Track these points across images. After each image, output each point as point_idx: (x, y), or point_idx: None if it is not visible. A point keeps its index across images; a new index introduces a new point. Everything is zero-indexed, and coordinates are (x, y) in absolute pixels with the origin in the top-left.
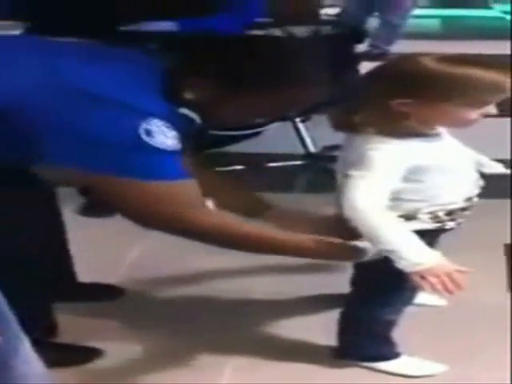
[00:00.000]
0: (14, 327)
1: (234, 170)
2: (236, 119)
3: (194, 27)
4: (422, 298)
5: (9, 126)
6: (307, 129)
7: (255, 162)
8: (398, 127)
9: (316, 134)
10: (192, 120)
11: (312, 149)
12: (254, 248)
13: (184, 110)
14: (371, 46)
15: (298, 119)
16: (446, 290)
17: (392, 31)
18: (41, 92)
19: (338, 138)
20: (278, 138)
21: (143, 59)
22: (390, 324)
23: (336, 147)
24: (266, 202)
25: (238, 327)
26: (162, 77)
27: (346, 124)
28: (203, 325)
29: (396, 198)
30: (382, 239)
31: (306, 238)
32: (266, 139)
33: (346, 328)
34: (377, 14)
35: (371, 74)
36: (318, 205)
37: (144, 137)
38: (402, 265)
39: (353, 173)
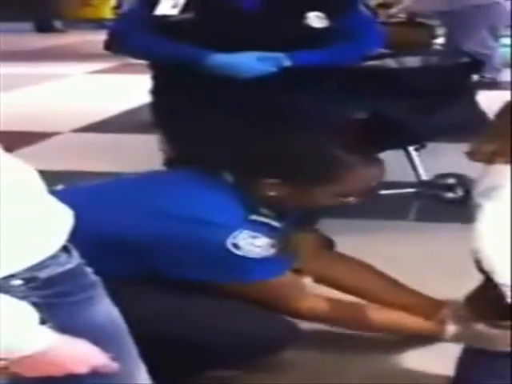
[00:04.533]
0: (132, 352)
1: None
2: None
3: (305, 60)
4: None
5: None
6: (420, 156)
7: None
8: None
9: (429, 162)
10: (274, 226)
11: (424, 177)
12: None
13: (264, 219)
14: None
15: (411, 147)
16: None
17: (496, 59)
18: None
19: (451, 166)
20: (390, 166)
21: (209, 179)
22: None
23: (448, 175)
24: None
25: (350, 362)
26: (234, 191)
27: (481, 154)
28: (315, 358)
29: None
30: (497, 271)
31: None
32: None
33: (465, 363)
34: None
35: (506, 105)
36: (428, 233)
37: (233, 250)
38: (509, 299)
39: (483, 203)
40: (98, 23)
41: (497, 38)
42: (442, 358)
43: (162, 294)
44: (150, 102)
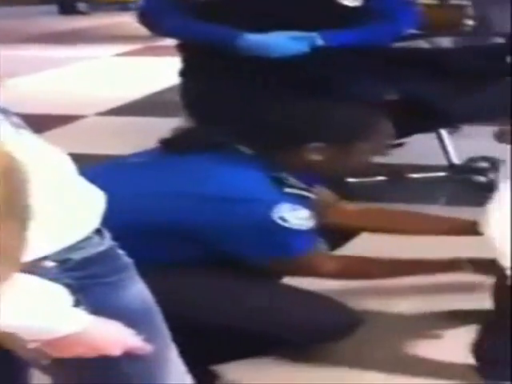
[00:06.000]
0: (165, 335)
1: (376, 181)
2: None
3: (338, 40)
4: None
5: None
6: (452, 140)
7: (397, 172)
8: None
9: (462, 145)
10: (308, 197)
11: (455, 160)
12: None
13: (298, 191)
14: None
15: (443, 130)
16: None
17: None
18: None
19: (483, 150)
20: (420, 149)
21: (249, 157)
22: None
23: (481, 159)
24: None
25: (375, 343)
26: (262, 166)
27: (508, 135)
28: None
29: None
30: (504, 255)
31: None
32: (408, 150)
33: (484, 347)
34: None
35: None
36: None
37: (281, 222)
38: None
39: (502, 185)
40: (122, 5)
41: None
42: (459, 347)
43: (222, 280)
44: (179, 84)
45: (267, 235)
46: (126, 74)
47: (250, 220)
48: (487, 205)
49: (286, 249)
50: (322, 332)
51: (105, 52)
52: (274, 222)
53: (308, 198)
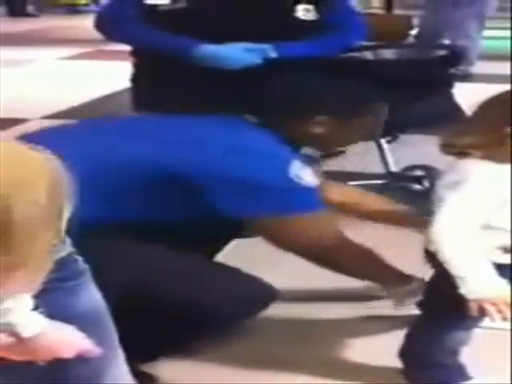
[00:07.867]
0: (114, 338)
1: None
2: (346, 143)
3: (291, 52)
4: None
5: (176, 189)
6: (391, 148)
7: (336, 179)
8: (507, 153)
9: (400, 154)
10: (312, 157)
11: (393, 168)
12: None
13: (307, 150)
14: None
15: (383, 139)
16: (504, 318)
17: (473, 52)
18: (203, 156)
19: (420, 158)
20: (359, 157)
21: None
22: (458, 346)
23: (417, 167)
24: None
25: (305, 347)
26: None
27: (454, 147)
28: (270, 343)
29: (494, 227)
30: (452, 264)
31: None
32: (347, 157)
33: (412, 351)
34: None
35: (490, 99)
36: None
37: (296, 179)
38: (463, 291)
39: (448, 196)
40: (71, 8)
41: (481, 29)
42: (387, 351)
43: (151, 255)
44: (130, 89)
45: (284, 192)
46: (73, 78)
47: (267, 174)
48: (437, 215)
49: (299, 206)
50: (243, 306)
51: (52, 55)
52: (289, 178)
53: (313, 158)
